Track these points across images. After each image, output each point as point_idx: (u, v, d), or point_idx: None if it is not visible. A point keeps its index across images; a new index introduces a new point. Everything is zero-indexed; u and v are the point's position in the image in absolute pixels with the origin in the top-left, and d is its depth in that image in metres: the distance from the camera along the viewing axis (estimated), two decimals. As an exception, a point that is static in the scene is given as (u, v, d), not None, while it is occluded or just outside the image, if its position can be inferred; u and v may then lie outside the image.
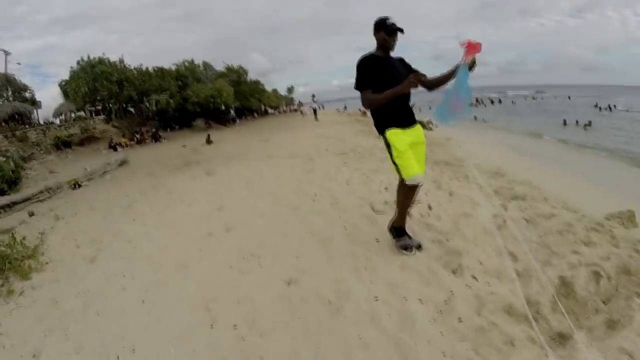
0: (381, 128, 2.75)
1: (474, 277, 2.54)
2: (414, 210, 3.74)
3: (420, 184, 2.75)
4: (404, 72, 2.75)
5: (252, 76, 33.30)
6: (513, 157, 9.73)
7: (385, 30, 2.69)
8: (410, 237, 3.05)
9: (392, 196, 4.18)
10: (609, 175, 8.91)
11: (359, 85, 2.70)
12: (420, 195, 4.23)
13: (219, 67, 30.80)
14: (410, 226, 3.32)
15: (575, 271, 2.58)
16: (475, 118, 26.53)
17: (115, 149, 18.16)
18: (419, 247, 2.97)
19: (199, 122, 27.13)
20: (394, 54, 2.83)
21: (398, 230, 3.02)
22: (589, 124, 21.07)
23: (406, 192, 2.79)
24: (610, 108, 32.40)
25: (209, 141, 15.25)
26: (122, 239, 4.58)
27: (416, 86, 2.59)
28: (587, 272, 2.56)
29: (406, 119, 2.73)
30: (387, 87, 2.61)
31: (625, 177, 8.97)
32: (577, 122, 21.91)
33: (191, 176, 8.12)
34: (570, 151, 12.90)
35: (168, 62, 34.09)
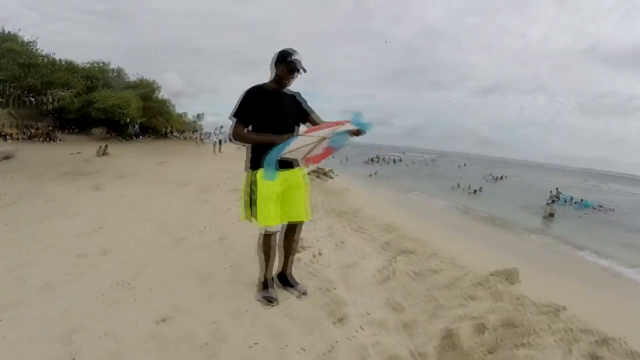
0: (253, 164, 2.54)
1: (360, 328, 2.47)
2: (303, 255, 3.68)
3: (276, 233, 2.68)
4: (292, 111, 2.64)
5: (164, 94, 32.10)
6: (406, 214, 10.38)
7: (287, 66, 2.49)
8: (297, 283, 2.92)
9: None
10: (491, 237, 9.91)
11: (235, 114, 2.52)
12: (311, 241, 4.27)
13: (133, 77, 29.29)
14: (298, 272, 3.20)
15: (460, 323, 2.64)
16: (376, 173, 28.26)
17: (5, 139, 15.92)
18: (304, 293, 2.83)
19: (99, 130, 25.02)
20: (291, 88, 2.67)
21: (264, 282, 2.79)
22: (480, 189, 23.59)
23: (262, 242, 2.66)
24: (501, 177, 37.36)
25: (104, 152, 14.06)
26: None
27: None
28: (473, 324, 2.63)
29: (284, 161, 2.45)
30: (268, 124, 2.50)
31: (507, 238, 10.03)
32: (468, 186, 24.35)
33: (77, 187, 7.27)
34: (459, 214, 14.15)
35: (82, 57, 31.50)
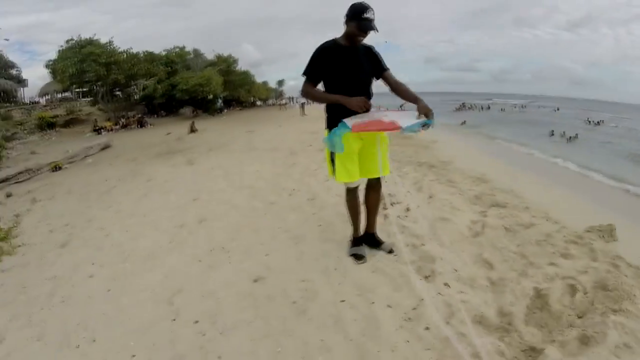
0: (330, 124, 2.60)
1: (446, 284, 2.49)
2: (391, 211, 3.67)
3: (357, 187, 2.78)
4: (366, 67, 2.56)
5: (242, 66, 33.14)
6: (497, 164, 9.74)
7: (358, 24, 2.37)
8: (382, 242, 2.97)
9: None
10: (590, 189, 8.99)
11: (306, 72, 2.54)
12: (399, 196, 4.18)
13: (210, 55, 30.62)
14: (386, 228, 3.26)
15: (551, 283, 2.52)
16: (465, 122, 26.72)
17: (99, 132, 17.91)
18: (390, 251, 2.89)
19: (186, 110, 26.91)
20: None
21: (354, 239, 2.94)
22: (575, 136, 21.33)
23: (347, 198, 2.80)
24: (598, 122, 32.95)
25: (193, 129, 15.09)
26: (95, 225, 4.49)
27: (362, 110, 2.43)
28: (563, 285, 2.50)
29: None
30: (340, 81, 2.48)
31: (606, 191, 9.07)
32: (563, 133, 22.17)
33: (172, 165, 8.04)
34: (551, 164, 12.98)
35: (158, 47, 33.83)
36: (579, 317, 2.22)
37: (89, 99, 25.51)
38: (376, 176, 2.75)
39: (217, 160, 8.10)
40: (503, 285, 2.53)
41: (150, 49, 26.13)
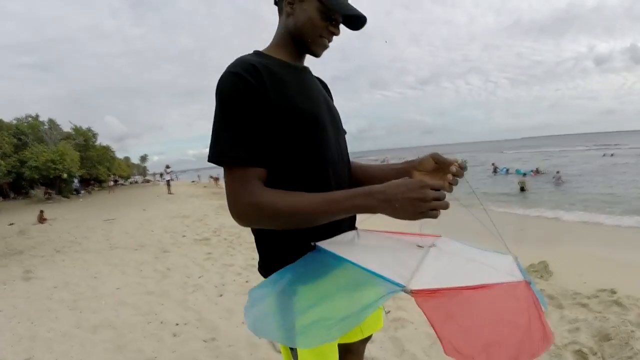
0: (278, 259, 1.05)
1: None
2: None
3: None
4: (336, 112, 1.23)
5: (107, 141, 30.58)
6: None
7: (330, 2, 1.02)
8: None
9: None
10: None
11: (231, 147, 0.92)
12: None
13: (67, 127, 27.47)
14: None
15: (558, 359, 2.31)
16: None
17: None
18: None
19: (38, 191, 22.87)
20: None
21: None
22: None
23: None
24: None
25: (42, 219, 12.29)
26: None
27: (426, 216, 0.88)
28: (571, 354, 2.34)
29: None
30: (311, 147, 1.03)
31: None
32: None
33: (1, 280, 5.71)
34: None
35: (9, 115, 29.57)
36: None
37: None
38: (362, 336, 1.28)
39: (65, 271, 5.72)
40: None
41: (2, 116, 22.32)
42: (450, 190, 0.98)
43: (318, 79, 1.23)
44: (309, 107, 1.03)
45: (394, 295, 0.79)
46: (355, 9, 1.06)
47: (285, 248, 1.03)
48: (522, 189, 16.94)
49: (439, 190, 0.86)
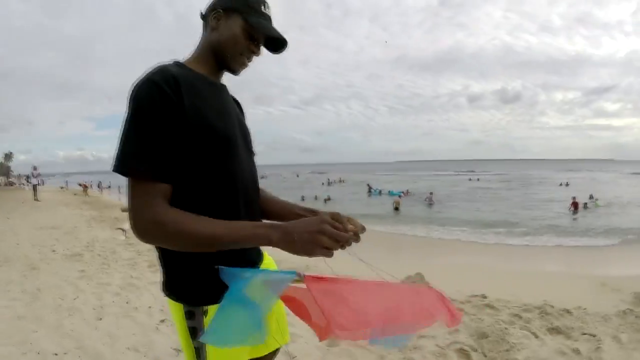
0: (188, 286, 1.02)
1: None
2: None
3: None
4: (249, 139, 1.20)
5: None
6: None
7: (248, 24, 1.04)
8: None
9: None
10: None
11: (139, 158, 0.86)
12: None
13: None
14: None
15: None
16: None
17: None
18: None
19: None
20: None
21: None
22: (329, 198, 24.47)
23: None
24: (340, 181, 41.85)
25: None
26: None
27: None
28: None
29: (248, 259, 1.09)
30: (223, 167, 1.00)
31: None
32: (316, 197, 25.21)
33: None
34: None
35: None
36: None
37: None
38: (268, 350, 1.23)
39: None
40: None
41: None
42: (356, 240, 0.91)
43: (233, 98, 1.22)
44: (223, 127, 1.01)
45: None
46: (278, 32, 1.08)
47: (190, 269, 0.99)
48: (397, 209, 18.69)
49: (339, 229, 0.84)
